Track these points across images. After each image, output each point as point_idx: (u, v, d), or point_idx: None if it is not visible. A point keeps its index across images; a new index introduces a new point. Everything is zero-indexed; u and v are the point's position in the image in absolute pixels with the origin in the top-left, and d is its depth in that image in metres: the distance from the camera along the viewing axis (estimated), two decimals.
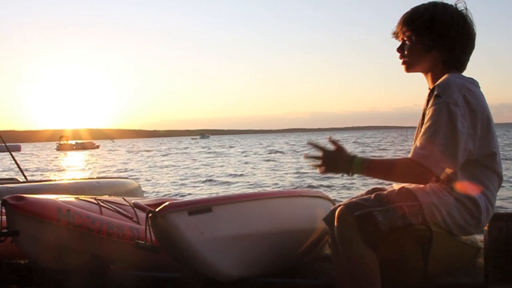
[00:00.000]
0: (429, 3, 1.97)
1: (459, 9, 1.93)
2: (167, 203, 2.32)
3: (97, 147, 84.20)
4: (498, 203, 2.05)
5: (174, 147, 72.53)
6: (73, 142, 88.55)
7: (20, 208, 2.50)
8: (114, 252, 2.73)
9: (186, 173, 22.10)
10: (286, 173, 19.86)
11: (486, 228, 2.13)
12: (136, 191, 4.92)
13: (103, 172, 26.31)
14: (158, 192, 15.09)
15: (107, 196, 3.38)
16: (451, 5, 1.94)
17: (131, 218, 2.91)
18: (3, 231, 2.52)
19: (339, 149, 1.90)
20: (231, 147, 61.40)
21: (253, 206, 2.54)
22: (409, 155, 1.85)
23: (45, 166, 34.15)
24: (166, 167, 27.23)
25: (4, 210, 2.55)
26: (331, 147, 1.92)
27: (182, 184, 17.41)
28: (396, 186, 2.00)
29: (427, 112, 1.86)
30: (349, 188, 13.62)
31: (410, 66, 2.01)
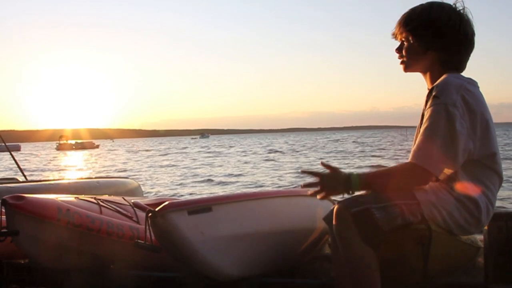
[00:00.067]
0: (427, 3, 1.97)
1: (457, 9, 1.93)
2: (167, 202, 2.32)
3: (97, 146, 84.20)
4: (498, 203, 2.05)
5: (174, 146, 72.56)
6: (73, 141, 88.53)
7: (20, 207, 2.50)
8: (114, 252, 2.73)
9: (185, 173, 22.10)
10: (286, 173, 19.87)
11: (486, 227, 2.13)
12: (136, 191, 4.92)
13: (103, 171, 26.31)
14: (157, 192, 15.09)
15: (107, 195, 3.39)
16: (449, 5, 1.94)
17: (131, 217, 2.91)
18: (3, 230, 2.52)
19: (334, 171, 1.93)
20: (230, 146, 61.42)
21: (253, 205, 2.54)
22: (409, 159, 1.85)
23: (44, 165, 34.14)
24: (166, 167, 27.23)
25: (4, 210, 2.55)
26: (325, 171, 1.95)
27: (181, 184, 17.41)
28: None
29: (425, 113, 1.87)
30: None
31: (408, 66, 2.02)
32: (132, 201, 3.19)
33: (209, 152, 44.77)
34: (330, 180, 1.92)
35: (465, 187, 1.85)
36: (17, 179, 5.31)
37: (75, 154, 58.12)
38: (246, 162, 27.96)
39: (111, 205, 2.95)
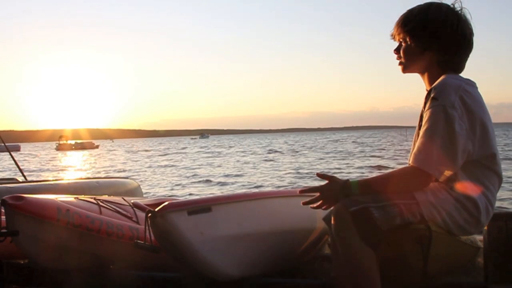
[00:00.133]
0: (425, 3, 1.97)
1: (455, 9, 1.93)
2: (166, 203, 2.32)
3: (97, 147, 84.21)
4: (497, 203, 2.05)
5: (173, 147, 72.55)
6: (73, 142, 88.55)
7: (19, 208, 2.50)
8: (114, 252, 2.73)
9: (185, 173, 22.10)
10: (286, 173, 19.87)
11: (485, 228, 2.13)
12: (136, 191, 4.92)
13: (103, 172, 26.31)
14: (157, 192, 15.09)
15: (106, 196, 3.39)
16: (446, 5, 1.94)
17: (131, 218, 2.91)
18: (2, 231, 2.52)
19: (331, 180, 1.97)
20: (230, 147, 61.42)
21: (253, 205, 2.54)
22: (409, 161, 1.86)
23: (44, 166, 34.13)
24: (165, 167, 27.22)
25: (3, 210, 2.55)
26: (322, 182, 1.99)
27: (181, 185, 17.41)
28: None
29: (424, 115, 1.87)
30: None
31: (406, 67, 2.02)
32: (132, 201, 3.19)
33: (208, 152, 44.78)
34: (329, 191, 1.96)
35: (465, 187, 1.85)
36: (16, 179, 5.31)
37: (75, 154, 58.10)
38: (245, 163, 27.97)
39: (110, 205, 2.95)
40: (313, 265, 2.78)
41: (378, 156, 28.24)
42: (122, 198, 3.26)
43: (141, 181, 17.63)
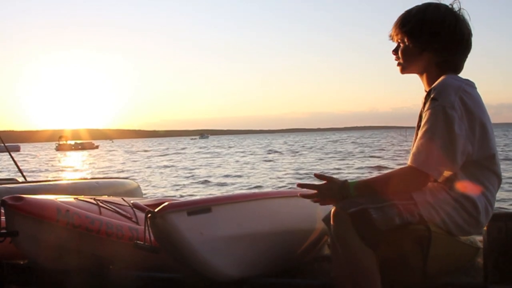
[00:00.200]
0: (423, 4, 1.96)
1: (453, 10, 1.92)
2: (166, 203, 2.32)
3: (96, 147, 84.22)
4: (497, 204, 2.05)
5: (173, 147, 72.55)
6: (72, 142, 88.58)
7: (19, 208, 2.50)
8: (113, 253, 2.73)
9: (184, 174, 22.10)
10: (285, 174, 19.87)
11: (485, 228, 2.13)
12: (136, 191, 4.92)
13: (102, 172, 26.31)
14: (156, 192, 15.09)
15: (106, 196, 3.38)
16: (445, 5, 1.93)
17: (130, 218, 2.91)
18: (2, 231, 2.52)
19: (329, 180, 1.98)
20: (230, 147, 61.41)
21: (253, 206, 2.54)
22: (408, 162, 1.85)
23: (44, 166, 34.12)
24: (164, 167, 27.22)
25: (3, 211, 2.55)
26: (321, 182, 2.01)
27: (180, 185, 17.41)
28: None
29: (423, 116, 1.86)
30: None
31: (404, 68, 2.02)
32: (132, 201, 3.18)
33: (208, 153, 44.78)
34: (326, 191, 1.98)
35: (464, 187, 1.86)
36: (16, 180, 5.30)
37: (75, 155, 58.11)
38: (245, 163, 27.96)
39: (110, 205, 2.95)
40: (313, 265, 2.78)
41: (378, 157, 28.24)
42: (122, 198, 3.26)
43: (141, 181, 17.64)
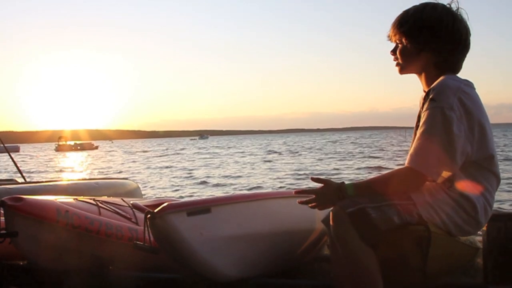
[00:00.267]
0: (421, 4, 1.96)
1: (451, 9, 1.92)
2: (165, 204, 2.32)
3: (96, 148, 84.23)
4: (497, 204, 2.06)
5: (172, 147, 72.50)
6: (72, 143, 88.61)
7: (18, 209, 2.50)
8: (113, 253, 2.73)
9: (183, 174, 22.09)
10: (285, 174, 19.87)
11: (484, 228, 2.13)
12: (135, 192, 4.91)
13: (102, 172, 26.29)
14: (156, 193, 15.08)
15: (105, 197, 3.38)
16: (442, 5, 1.93)
17: (130, 219, 2.91)
18: (1, 232, 2.52)
19: (326, 184, 1.98)
20: (229, 147, 61.39)
21: (252, 206, 2.54)
22: (405, 163, 1.85)
23: (43, 167, 34.10)
24: (164, 168, 27.20)
25: (2, 211, 2.54)
26: (318, 185, 2.01)
27: (180, 185, 17.40)
28: None
29: (422, 116, 1.86)
30: None
31: (403, 68, 2.01)
32: (131, 202, 3.18)
33: (208, 153, 44.76)
34: (324, 194, 1.97)
35: (463, 188, 1.85)
36: (15, 180, 5.30)
37: (74, 155, 58.09)
38: (244, 164, 27.96)
39: (110, 206, 2.94)
40: (313, 265, 2.78)
41: (378, 157, 28.24)
42: (121, 199, 3.26)
43: (140, 182, 17.63)
